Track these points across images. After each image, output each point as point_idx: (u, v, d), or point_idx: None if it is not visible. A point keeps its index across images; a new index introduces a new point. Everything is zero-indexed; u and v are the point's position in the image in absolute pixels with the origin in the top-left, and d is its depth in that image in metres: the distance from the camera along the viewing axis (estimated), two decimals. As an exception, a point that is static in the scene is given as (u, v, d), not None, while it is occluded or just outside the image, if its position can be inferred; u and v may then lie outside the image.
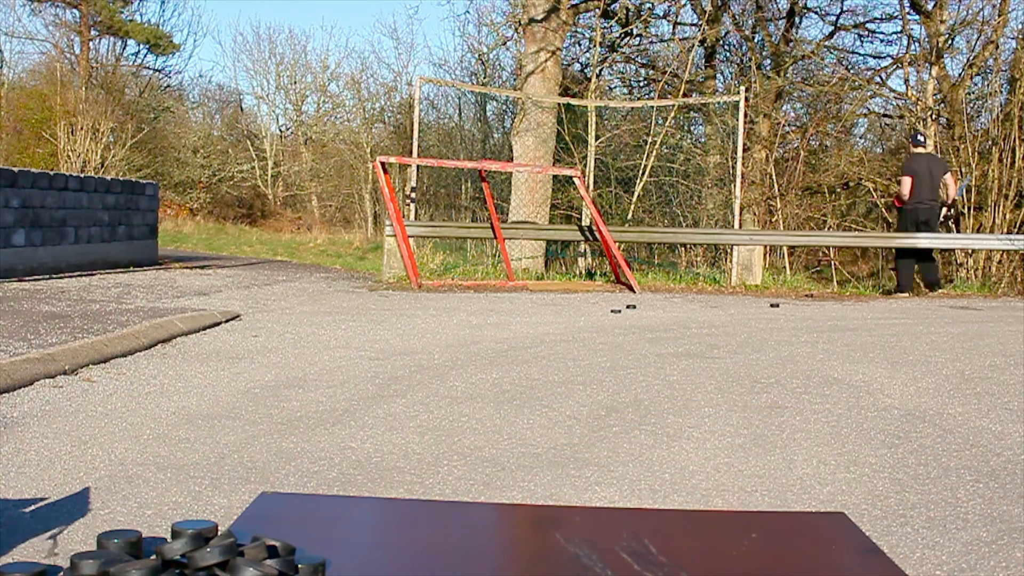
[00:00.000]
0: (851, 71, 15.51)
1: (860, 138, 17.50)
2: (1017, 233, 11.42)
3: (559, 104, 12.52)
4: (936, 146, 13.39)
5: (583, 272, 11.89)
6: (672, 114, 13.11)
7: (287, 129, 28.70)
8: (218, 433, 2.96)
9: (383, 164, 9.29)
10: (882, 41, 24.71)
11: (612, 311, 7.27)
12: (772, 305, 8.20)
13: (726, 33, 16.37)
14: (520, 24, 12.75)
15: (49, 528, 2.02)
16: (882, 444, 2.97)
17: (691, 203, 12.97)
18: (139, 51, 24.77)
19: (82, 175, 10.10)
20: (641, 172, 12.74)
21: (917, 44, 14.65)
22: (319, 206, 26.04)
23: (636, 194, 12.78)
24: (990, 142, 13.13)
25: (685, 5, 16.03)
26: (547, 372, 4.24)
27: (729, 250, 11.03)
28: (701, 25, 15.07)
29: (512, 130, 12.79)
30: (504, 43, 15.41)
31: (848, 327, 6.43)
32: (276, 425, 3.09)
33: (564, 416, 3.33)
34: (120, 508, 2.19)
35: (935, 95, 14.02)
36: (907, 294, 9.75)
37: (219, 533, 1.74)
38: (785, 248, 12.98)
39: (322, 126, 27.49)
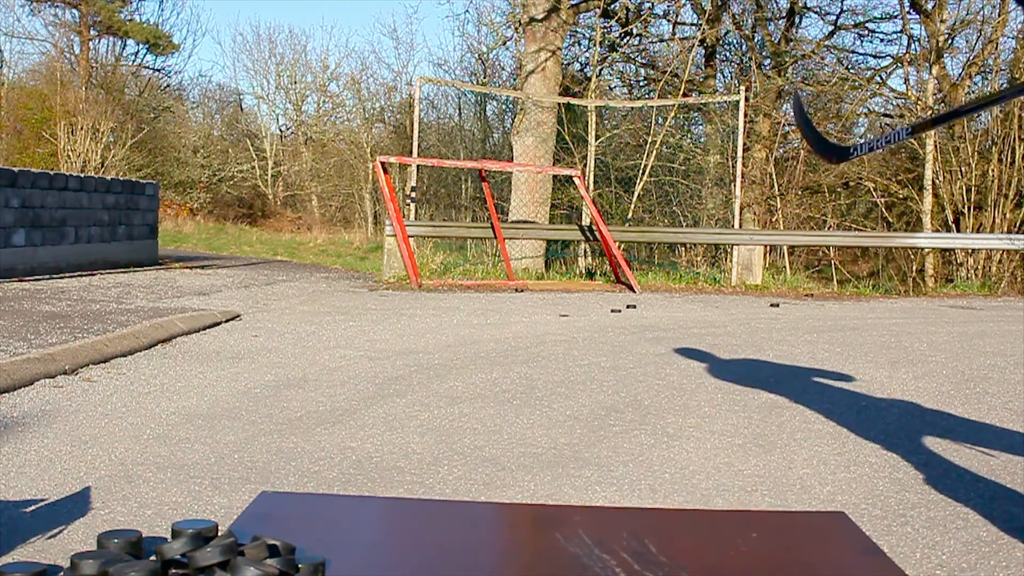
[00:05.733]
0: (851, 71, 15.51)
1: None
2: (1017, 233, 11.43)
3: (559, 104, 12.52)
4: (936, 146, 13.39)
5: (583, 272, 11.89)
6: (672, 114, 13.11)
7: (287, 129, 28.71)
8: (218, 433, 2.96)
9: (383, 164, 9.29)
10: (882, 40, 24.76)
11: (612, 311, 7.27)
12: (772, 305, 8.20)
13: (726, 33, 16.37)
14: (520, 24, 12.75)
15: (49, 528, 2.01)
16: (882, 444, 2.97)
17: (691, 203, 12.97)
18: (138, 51, 24.79)
19: (82, 175, 10.10)
20: (641, 172, 12.74)
21: (917, 44, 14.65)
22: (319, 206, 26.04)
23: (636, 194, 12.78)
24: (990, 142, 13.14)
25: (685, 5, 16.04)
26: (547, 372, 4.24)
27: (729, 250, 11.03)
28: (701, 25, 15.07)
29: (512, 130, 12.79)
30: (504, 43, 15.42)
31: (848, 327, 6.43)
32: (276, 425, 3.09)
33: (564, 416, 3.33)
34: (120, 508, 2.19)
35: (935, 95, 14.02)
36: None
37: (219, 533, 1.74)
38: (785, 248, 12.99)
39: (322, 126, 27.49)
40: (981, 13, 13.90)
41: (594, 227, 9.97)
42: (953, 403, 3.67)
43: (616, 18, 14.92)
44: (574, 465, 2.68)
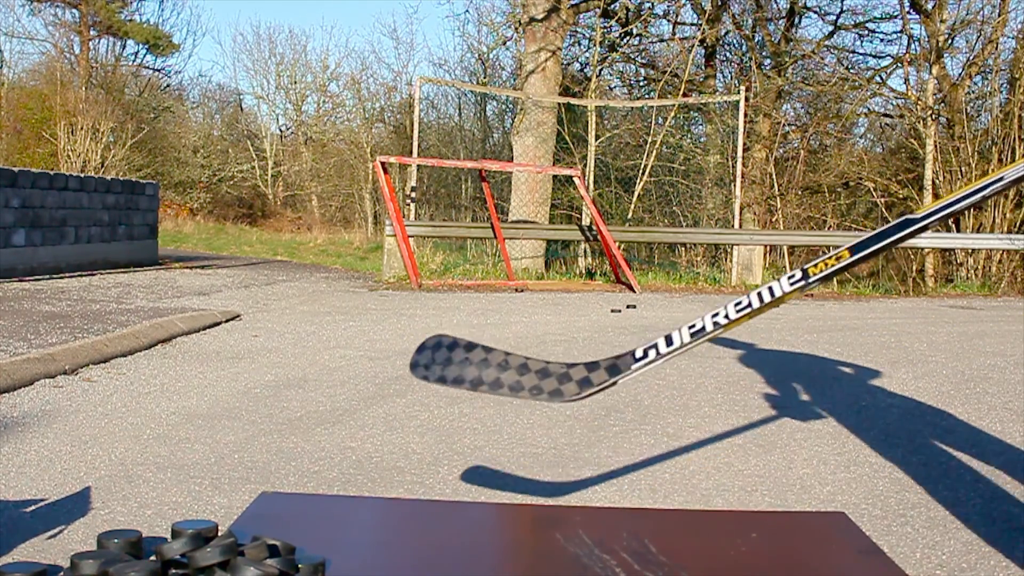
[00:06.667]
0: (851, 71, 15.51)
1: (860, 138, 17.51)
2: (1017, 233, 11.43)
3: (559, 104, 12.52)
4: (936, 146, 13.39)
5: (583, 272, 11.89)
6: (672, 114, 13.11)
7: (287, 129, 28.72)
8: (218, 433, 2.95)
9: (383, 164, 9.29)
10: (882, 40, 24.78)
11: (612, 311, 7.27)
12: (772, 305, 8.19)
13: (726, 33, 16.38)
14: (520, 24, 12.76)
15: (49, 528, 2.01)
16: (882, 444, 2.97)
17: (691, 203, 12.97)
18: (138, 51, 24.80)
19: (82, 175, 10.10)
20: (641, 172, 12.74)
21: (917, 44, 14.65)
22: (319, 206, 26.05)
23: (636, 194, 12.78)
24: (990, 142, 13.14)
25: (685, 5, 16.04)
26: (547, 372, 4.23)
27: (729, 250, 11.03)
28: (701, 25, 15.08)
29: (512, 130, 12.79)
30: (504, 43, 15.42)
31: (848, 327, 6.44)
32: (276, 425, 3.09)
33: (564, 416, 3.33)
34: (120, 508, 2.19)
35: (935, 95, 14.02)
36: None
37: (219, 533, 1.74)
38: (785, 248, 12.99)
39: (322, 126, 27.49)
40: (981, 13, 13.91)
41: (594, 227, 9.97)
42: (953, 403, 3.67)
43: (616, 18, 14.92)
44: (574, 465, 2.68)
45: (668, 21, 16.21)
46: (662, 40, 16.34)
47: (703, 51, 16.10)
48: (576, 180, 9.90)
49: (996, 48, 13.86)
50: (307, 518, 2.07)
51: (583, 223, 11.05)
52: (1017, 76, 13.13)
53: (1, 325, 4.99)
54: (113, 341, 4.48)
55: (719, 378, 4.15)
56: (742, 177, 11.74)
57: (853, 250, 1.55)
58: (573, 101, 12.82)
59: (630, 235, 11.17)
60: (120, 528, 2.03)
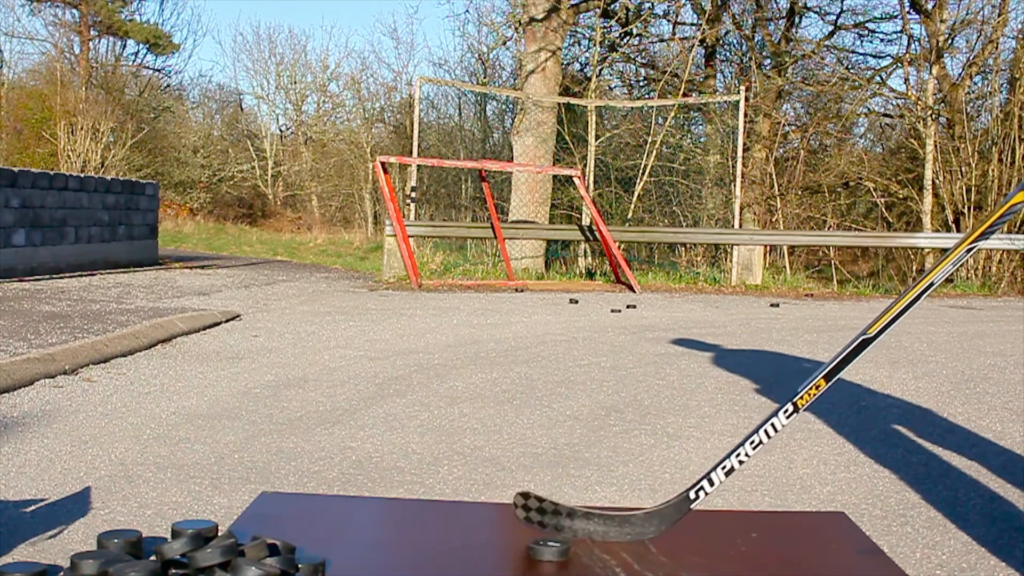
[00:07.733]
0: (851, 71, 15.51)
1: (860, 138, 17.51)
2: (1017, 233, 11.43)
3: (559, 104, 12.52)
4: (936, 146, 13.39)
5: (583, 272, 11.88)
6: (672, 114, 13.11)
7: (287, 129, 28.71)
8: (218, 433, 2.95)
9: (383, 164, 9.29)
10: (882, 40, 24.76)
11: (612, 311, 7.27)
12: (772, 305, 8.20)
13: (726, 33, 16.37)
14: (520, 24, 12.75)
15: (49, 528, 2.02)
16: (882, 444, 2.97)
17: (691, 203, 12.97)
18: (139, 51, 24.80)
19: (82, 175, 10.10)
20: (641, 172, 12.74)
21: (917, 44, 14.65)
22: (319, 206, 26.04)
23: (636, 194, 12.78)
24: (990, 142, 13.13)
25: (685, 5, 16.04)
26: (547, 372, 4.24)
27: (729, 250, 11.03)
28: (701, 25, 15.07)
29: (512, 130, 12.78)
30: (504, 43, 15.41)
31: (848, 327, 6.43)
32: (276, 425, 3.09)
33: (564, 416, 3.33)
34: (120, 508, 2.19)
35: (935, 95, 14.02)
36: None
37: (219, 533, 1.73)
38: (785, 248, 12.98)
39: (322, 126, 27.49)
40: (981, 13, 13.91)
41: (594, 227, 9.97)
42: (953, 403, 3.67)
43: (616, 18, 14.92)
44: (574, 465, 2.68)
45: (668, 21, 16.22)
46: (662, 40, 16.35)
47: (703, 51, 16.09)
48: (576, 180, 9.90)
49: (996, 48, 13.86)
50: (307, 518, 2.07)
51: (583, 223, 11.05)
52: (1017, 76, 13.13)
53: (1, 325, 4.99)
54: (113, 341, 4.48)
55: (719, 378, 4.15)
56: (742, 177, 11.74)
57: (827, 377, 1.78)
58: (573, 101, 12.81)
59: (630, 235, 11.17)
60: (120, 528, 2.03)
